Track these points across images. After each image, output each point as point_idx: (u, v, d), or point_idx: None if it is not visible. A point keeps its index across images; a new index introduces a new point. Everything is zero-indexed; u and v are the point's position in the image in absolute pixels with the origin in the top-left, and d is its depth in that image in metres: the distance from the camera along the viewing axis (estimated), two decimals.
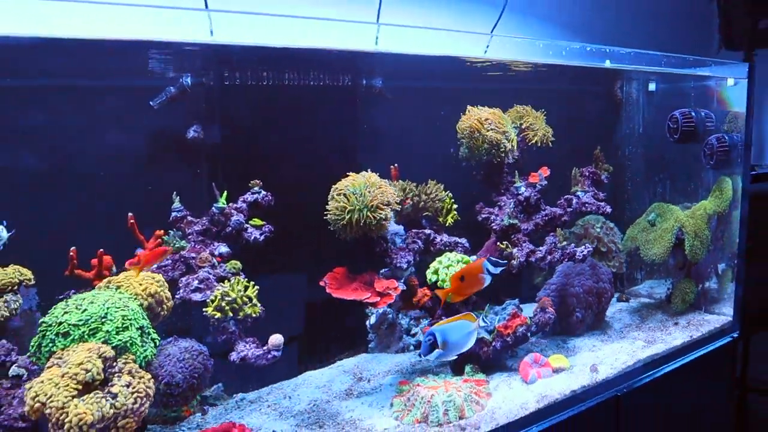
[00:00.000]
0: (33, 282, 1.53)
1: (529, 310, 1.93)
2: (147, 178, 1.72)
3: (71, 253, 1.45)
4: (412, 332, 1.95)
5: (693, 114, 2.22)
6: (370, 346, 1.93)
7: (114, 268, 1.52)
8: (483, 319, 1.61)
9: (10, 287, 1.49)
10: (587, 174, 2.01)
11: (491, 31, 2.26)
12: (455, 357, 1.59)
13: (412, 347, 1.95)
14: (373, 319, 1.88)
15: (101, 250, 1.47)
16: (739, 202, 2.29)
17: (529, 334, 1.80)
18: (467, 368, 1.78)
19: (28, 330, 1.59)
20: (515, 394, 1.74)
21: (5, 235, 1.41)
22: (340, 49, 1.65)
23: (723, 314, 2.38)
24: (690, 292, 2.32)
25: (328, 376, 1.85)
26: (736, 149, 2.25)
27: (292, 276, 1.88)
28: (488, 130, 1.84)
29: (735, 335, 2.36)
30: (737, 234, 2.32)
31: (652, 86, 2.46)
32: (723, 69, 2.30)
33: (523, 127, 1.97)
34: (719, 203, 2.23)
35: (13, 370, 1.34)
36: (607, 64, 2.03)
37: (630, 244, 2.24)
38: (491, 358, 1.79)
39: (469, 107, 1.90)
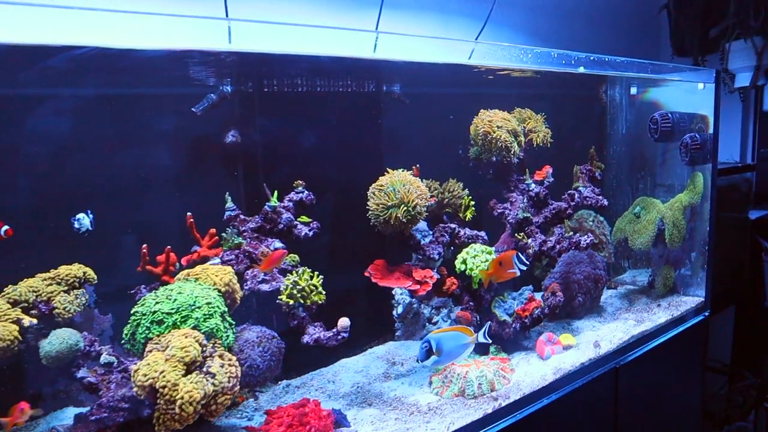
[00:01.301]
0: (95, 281, 1.73)
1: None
2: (189, 180, 1.93)
3: (143, 250, 1.65)
4: (434, 321, 2.25)
5: (670, 115, 2.64)
6: (397, 334, 2.21)
7: (177, 264, 1.73)
8: (483, 334, 1.85)
9: (76, 283, 1.68)
10: (585, 171, 2.38)
11: (476, 39, 2.61)
12: (449, 364, 1.87)
13: None
14: (400, 309, 2.16)
15: (168, 247, 1.68)
16: (708, 196, 2.73)
17: (542, 316, 2.14)
18: (492, 348, 2.10)
19: (87, 325, 1.78)
20: (534, 368, 2.07)
21: (87, 222, 1.59)
22: (344, 56, 1.92)
23: (697, 296, 2.81)
24: (670, 277, 2.74)
25: (363, 363, 2.12)
26: (706, 146, 2.68)
27: (323, 270, 2.13)
28: (501, 134, 2.16)
29: (707, 314, 2.80)
30: (707, 223, 2.76)
31: (633, 90, 2.88)
32: (692, 75, 2.74)
33: (527, 129, 2.31)
34: (693, 196, 2.66)
35: (104, 358, 1.53)
36: (581, 69, 2.42)
37: (619, 235, 2.64)
38: (511, 339, 2.11)
39: (481, 111, 2.21)
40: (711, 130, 2.74)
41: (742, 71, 3.81)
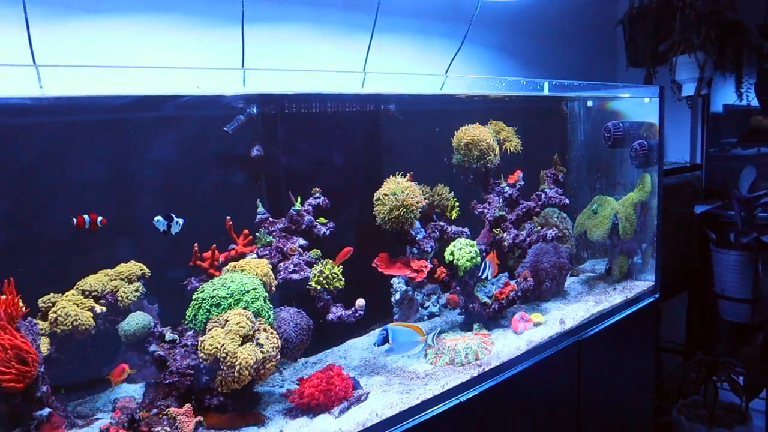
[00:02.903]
0: (149, 275, 2.13)
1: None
2: (221, 186, 2.35)
3: (195, 248, 2.06)
4: (425, 305, 2.71)
5: (621, 124, 3.16)
6: (395, 318, 2.66)
7: (220, 259, 2.15)
8: (432, 338, 2.31)
9: (134, 278, 2.09)
10: (550, 175, 2.88)
11: (445, 72, 3.10)
12: (399, 355, 2.30)
13: (425, 317, 2.72)
14: (397, 296, 2.62)
15: (214, 245, 2.10)
16: (656, 193, 3.26)
17: (516, 298, 2.62)
18: (475, 326, 2.57)
19: None
20: (510, 342, 2.54)
21: (160, 225, 1.98)
22: (338, 93, 2.38)
23: (648, 281, 3.34)
24: (624, 265, 3.27)
25: (367, 342, 2.57)
26: (653, 151, 3.21)
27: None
28: (480, 144, 2.63)
29: (657, 296, 3.33)
30: (655, 218, 3.30)
31: (590, 102, 3.40)
32: (640, 91, 3.27)
33: (501, 139, 2.79)
34: (642, 194, 3.19)
35: (169, 336, 1.94)
36: (545, 88, 2.94)
37: (580, 229, 3.15)
38: (490, 317, 2.59)
39: (464, 127, 2.68)
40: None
41: (687, 82, 4.39)
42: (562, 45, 4.26)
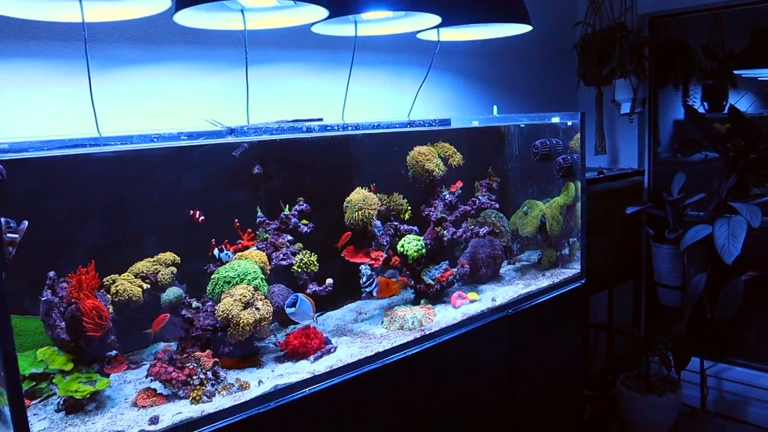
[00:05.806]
0: (179, 262, 2.99)
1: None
2: (231, 197, 3.21)
3: (212, 243, 2.93)
4: None
5: (548, 142, 3.99)
6: (362, 296, 3.53)
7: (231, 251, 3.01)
8: (315, 317, 2.95)
9: (170, 263, 2.95)
10: (484, 184, 3.73)
11: (408, 115, 3.94)
12: (300, 320, 2.93)
13: None
14: (363, 279, 3.48)
15: (226, 240, 2.96)
16: (579, 198, 4.09)
17: (455, 281, 3.48)
18: (422, 301, 3.42)
19: None
20: (449, 314, 3.38)
21: (223, 255, 2.85)
22: (319, 135, 3.22)
23: (574, 269, 4.17)
24: (553, 256, 4.10)
25: (340, 314, 3.42)
26: (576, 164, 4.05)
27: (316, 252, 3.39)
28: (425, 161, 3.48)
29: (583, 281, 4.15)
30: (580, 218, 4.13)
31: (522, 124, 4.25)
32: (567, 116, 4.11)
33: (445, 156, 3.64)
34: (566, 198, 4.02)
35: (195, 304, 2.80)
36: (494, 110, 3.79)
37: (513, 227, 3.99)
38: (434, 295, 3.45)
39: (416, 147, 3.54)
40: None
41: (625, 101, 5.24)
42: (526, 68, 5.09)
